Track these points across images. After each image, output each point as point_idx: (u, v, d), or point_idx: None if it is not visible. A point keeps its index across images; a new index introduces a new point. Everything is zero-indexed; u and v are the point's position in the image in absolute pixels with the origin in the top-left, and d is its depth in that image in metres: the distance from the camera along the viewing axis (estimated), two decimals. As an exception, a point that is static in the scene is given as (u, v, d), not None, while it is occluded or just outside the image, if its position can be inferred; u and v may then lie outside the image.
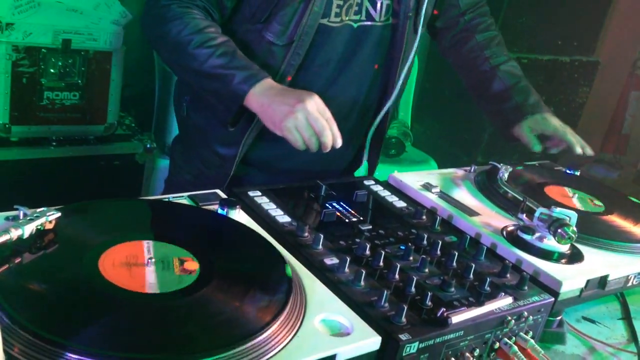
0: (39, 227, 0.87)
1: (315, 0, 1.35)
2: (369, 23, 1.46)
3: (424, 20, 1.51)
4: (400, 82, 1.54)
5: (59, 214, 0.90)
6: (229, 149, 1.50)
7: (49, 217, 0.88)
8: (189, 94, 1.58)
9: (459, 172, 1.51)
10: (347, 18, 1.43)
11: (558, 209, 1.16)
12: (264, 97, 1.27)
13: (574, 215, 1.15)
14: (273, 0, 1.35)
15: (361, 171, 1.74)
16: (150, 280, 0.85)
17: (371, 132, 1.60)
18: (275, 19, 1.37)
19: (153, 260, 0.88)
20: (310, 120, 1.22)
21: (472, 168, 1.51)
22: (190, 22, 1.33)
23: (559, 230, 1.12)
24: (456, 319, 0.92)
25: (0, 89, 2.09)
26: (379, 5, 1.45)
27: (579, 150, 1.54)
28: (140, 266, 0.87)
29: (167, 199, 1.08)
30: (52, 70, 2.16)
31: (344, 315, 0.89)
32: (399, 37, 1.49)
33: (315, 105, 1.24)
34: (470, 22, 1.66)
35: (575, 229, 1.13)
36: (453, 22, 1.67)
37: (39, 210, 0.90)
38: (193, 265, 0.89)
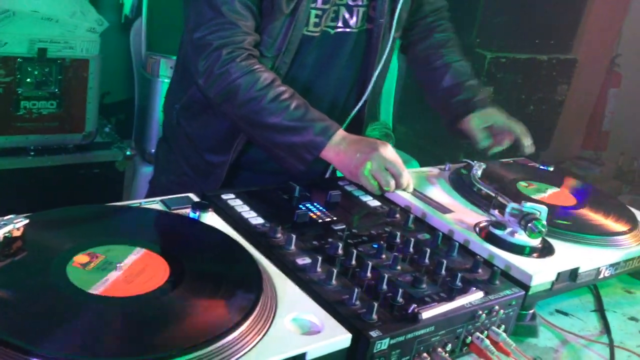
0: (6, 234, 0.87)
1: (299, 13, 1.38)
2: (346, 30, 1.50)
3: (397, 24, 1.54)
4: (371, 84, 1.56)
5: (26, 221, 0.90)
6: (219, 157, 1.53)
7: (17, 225, 0.88)
8: (179, 102, 1.58)
9: (434, 170, 1.52)
10: (324, 25, 1.46)
11: (529, 204, 1.17)
12: (340, 147, 1.33)
13: (544, 210, 1.16)
14: (266, 12, 1.38)
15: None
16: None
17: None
18: (265, 32, 1.40)
19: (120, 264, 0.88)
20: (387, 165, 1.31)
21: (447, 166, 1.52)
22: (260, 76, 1.35)
23: (529, 225, 1.14)
24: (427, 314, 0.93)
25: (-24, 100, 2.09)
26: (355, 12, 1.48)
27: (528, 141, 1.58)
28: (108, 271, 0.87)
29: (138, 204, 1.09)
30: (28, 80, 2.16)
31: (315, 314, 0.89)
32: (374, 42, 1.53)
33: (389, 152, 1.32)
34: (430, 24, 1.72)
35: (545, 223, 1.14)
36: (415, 24, 1.72)
37: (6, 217, 0.90)
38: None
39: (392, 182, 1.31)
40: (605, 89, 4.27)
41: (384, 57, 1.56)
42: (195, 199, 1.16)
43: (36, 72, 2.17)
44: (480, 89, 1.67)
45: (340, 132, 1.35)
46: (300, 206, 1.22)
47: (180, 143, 1.62)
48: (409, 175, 1.35)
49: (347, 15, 1.48)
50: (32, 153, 2.25)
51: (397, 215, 1.25)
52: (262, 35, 1.41)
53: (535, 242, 1.17)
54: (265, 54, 1.42)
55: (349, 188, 1.35)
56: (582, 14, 3.47)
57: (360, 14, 1.49)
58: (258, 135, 1.41)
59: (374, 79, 1.56)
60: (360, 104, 1.57)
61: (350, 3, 1.48)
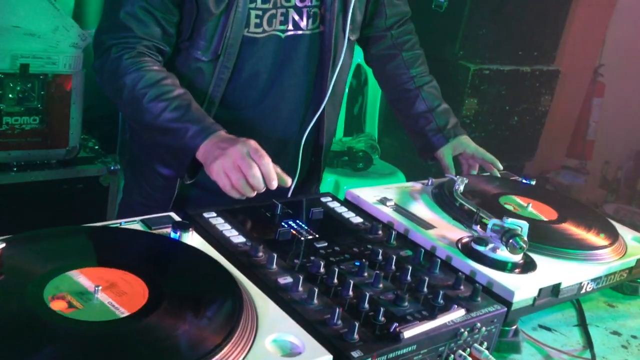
0: (-17, 258, 0.86)
1: (235, 12, 1.36)
2: (298, 32, 1.47)
3: (353, 25, 1.53)
4: (330, 88, 1.55)
5: (3, 245, 0.89)
6: (169, 169, 1.50)
7: (-6, 248, 0.87)
8: None
9: (417, 185, 1.52)
10: (271, 28, 1.44)
11: (510, 220, 1.18)
12: (208, 146, 1.26)
13: (525, 225, 1.17)
14: (192, 15, 1.36)
15: (329, 186, 1.75)
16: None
17: (302, 142, 1.58)
18: (199, 35, 1.38)
19: (100, 287, 0.87)
20: (240, 164, 1.18)
21: (430, 181, 1.52)
22: (145, 74, 1.32)
23: (511, 241, 1.14)
24: (408, 333, 0.93)
25: (-43, 116, 2.07)
26: (305, 13, 1.46)
27: (500, 166, 1.65)
28: (87, 294, 0.86)
29: (118, 224, 1.08)
30: (10, 95, 2.14)
31: (296, 334, 0.89)
32: (326, 44, 1.51)
33: (245, 147, 1.20)
34: (397, 39, 1.72)
35: (526, 239, 1.14)
36: (380, 35, 1.71)
37: (-17, 241, 0.88)
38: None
39: (240, 183, 1.19)
40: (589, 98, 4.31)
41: (341, 60, 1.54)
42: (177, 218, 1.15)
43: (18, 88, 2.14)
44: (451, 114, 1.72)
45: (219, 135, 1.27)
46: (282, 223, 1.22)
47: (137, 157, 1.62)
48: (268, 172, 1.19)
49: (296, 17, 1.46)
50: (15, 169, 2.22)
51: (380, 232, 1.25)
52: (197, 39, 1.39)
53: (517, 258, 1.17)
54: (202, 57, 1.40)
55: (331, 205, 1.35)
56: (564, 25, 3.51)
57: (311, 15, 1.47)
58: (147, 135, 1.40)
59: (333, 81, 1.54)
60: (320, 109, 1.55)
61: (299, 4, 1.45)
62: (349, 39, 1.55)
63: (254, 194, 1.21)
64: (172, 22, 1.37)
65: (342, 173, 3.02)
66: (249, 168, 1.18)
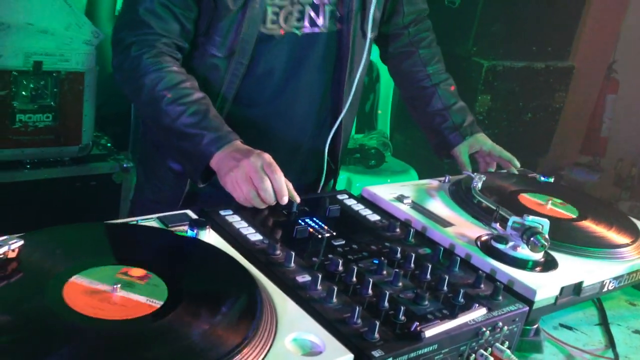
0: (1, 256, 0.85)
1: (252, 8, 1.34)
2: (315, 30, 1.45)
3: (372, 24, 1.51)
4: (353, 91, 1.53)
5: (21, 242, 0.88)
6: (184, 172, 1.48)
7: (12, 246, 0.87)
8: None
9: (434, 182, 1.50)
10: (287, 25, 1.41)
11: (531, 217, 1.16)
12: (222, 156, 1.25)
13: (546, 223, 1.15)
14: (210, 11, 1.35)
15: (341, 183, 1.74)
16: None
17: (327, 144, 1.58)
18: (215, 31, 1.37)
19: (119, 285, 0.86)
20: (252, 177, 1.19)
21: (447, 178, 1.51)
22: (165, 75, 1.31)
23: (532, 239, 1.12)
24: (429, 332, 0.91)
25: (-29, 114, 2.07)
26: (322, 10, 1.44)
27: (518, 164, 1.63)
28: (106, 292, 0.86)
29: (135, 222, 1.07)
30: (23, 93, 2.14)
31: (316, 333, 0.88)
32: (344, 43, 1.48)
33: (259, 161, 1.20)
34: (414, 37, 1.70)
35: (547, 236, 1.12)
36: (397, 32, 1.69)
37: (0, 238, 0.88)
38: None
39: (251, 195, 1.19)
40: (603, 95, 4.27)
41: (362, 60, 1.52)
42: (193, 215, 1.14)
43: (32, 85, 2.15)
44: (467, 111, 1.70)
45: (234, 144, 1.26)
46: (300, 221, 1.20)
47: (149, 154, 1.60)
48: (280, 187, 1.19)
49: (313, 15, 1.43)
50: (28, 166, 2.23)
51: (397, 230, 1.24)
52: (213, 36, 1.37)
53: (538, 256, 1.16)
54: (217, 54, 1.38)
55: (348, 202, 1.33)
56: (578, 20, 3.47)
57: (327, 13, 1.45)
58: (162, 137, 1.39)
59: (355, 81, 1.52)
60: (344, 111, 1.54)
61: (316, 2, 1.43)
62: (369, 39, 1.53)
63: (264, 206, 1.21)
64: (191, 18, 1.36)
65: (355, 170, 3.00)
66: (261, 182, 1.19)
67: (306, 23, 1.44)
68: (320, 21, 1.45)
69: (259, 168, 1.20)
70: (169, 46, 1.35)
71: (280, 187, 1.20)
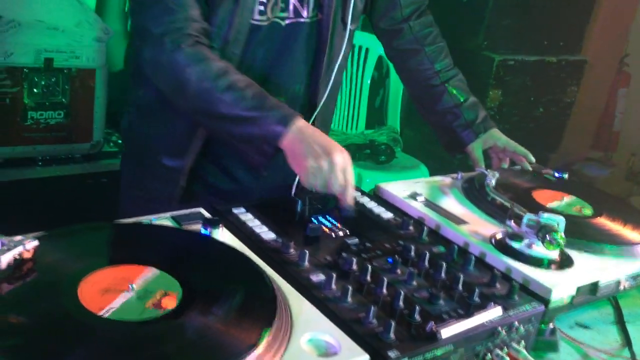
0: (16, 256, 0.85)
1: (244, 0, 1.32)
2: (299, 20, 1.43)
3: (353, 15, 1.48)
4: (331, 82, 1.50)
5: (36, 242, 0.88)
6: (176, 161, 1.46)
7: (27, 246, 0.87)
8: (134, 104, 1.53)
9: (446, 179, 1.49)
10: (273, 15, 1.40)
11: (546, 215, 1.15)
12: (296, 138, 1.23)
13: (562, 221, 1.14)
14: (209, 1, 1.32)
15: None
16: (129, 307, 0.83)
17: None
18: (210, 21, 1.33)
19: (134, 286, 0.86)
20: (331, 175, 1.20)
21: (459, 175, 1.50)
22: (210, 64, 1.28)
23: (547, 237, 1.11)
24: (445, 332, 0.91)
25: (-17, 111, 2.08)
26: (305, 1, 1.42)
27: (532, 159, 1.61)
28: (120, 292, 0.85)
29: (148, 221, 1.07)
30: (35, 90, 2.15)
31: (331, 334, 0.87)
32: (324, 32, 1.46)
33: (342, 162, 1.21)
34: (417, 33, 1.65)
35: (563, 234, 1.11)
36: (398, 27, 1.65)
37: (16, 238, 0.88)
38: (171, 301, 0.86)
39: (336, 190, 1.21)
40: (615, 89, 4.23)
41: (341, 51, 1.49)
42: (206, 214, 1.14)
43: (43, 82, 2.15)
44: (480, 107, 1.67)
45: (300, 122, 1.25)
46: (312, 219, 1.20)
47: (138, 149, 1.56)
48: (349, 195, 1.22)
49: (297, 5, 1.41)
50: (40, 163, 2.24)
51: (411, 228, 1.23)
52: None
53: (554, 254, 1.15)
54: (212, 44, 1.35)
55: (361, 200, 1.33)
56: (590, 14, 3.44)
57: (311, 3, 1.42)
58: (216, 128, 1.35)
59: (334, 72, 1.49)
60: (322, 102, 1.51)
61: None
62: (349, 30, 1.49)
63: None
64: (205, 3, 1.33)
65: (365, 166, 2.99)
66: (336, 183, 1.20)
67: (291, 14, 1.42)
68: (304, 12, 1.43)
69: (340, 171, 1.20)
70: (199, 32, 1.31)
71: (349, 194, 1.21)
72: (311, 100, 1.52)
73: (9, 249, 0.85)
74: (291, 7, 1.41)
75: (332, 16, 1.44)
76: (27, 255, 0.87)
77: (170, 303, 0.85)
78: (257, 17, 1.38)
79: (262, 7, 1.37)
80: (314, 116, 1.51)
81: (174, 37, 1.27)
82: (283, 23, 1.41)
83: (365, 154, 3.05)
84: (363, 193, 1.36)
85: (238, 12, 1.33)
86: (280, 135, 1.23)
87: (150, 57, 1.32)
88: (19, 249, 0.86)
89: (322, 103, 1.51)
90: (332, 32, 1.46)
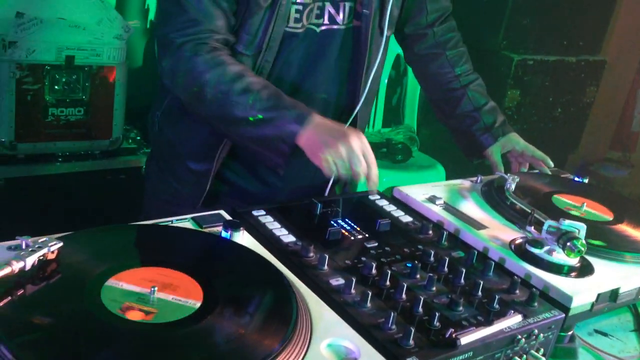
0: (40, 257, 0.86)
1: (280, 7, 1.33)
2: (333, 27, 1.44)
3: (389, 21, 1.49)
4: (368, 86, 1.51)
5: (60, 244, 0.89)
6: (202, 165, 1.48)
7: (51, 247, 0.88)
8: (160, 109, 1.54)
9: (466, 183, 1.49)
10: (308, 22, 1.40)
11: (567, 221, 1.14)
12: (311, 132, 1.26)
13: (583, 228, 1.13)
14: (243, 7, 1.33)
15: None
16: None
17: None
18: (243, 29, 1.35)
19: (156, 287, 0.87)
20: (351, 158, 1.22)
21: (479, 178, 1.49)
22: (227, 68, 1.29)
23: (568, 244, 1.10)
24: (465, 339, 0.91)
25: (5, 107, 2.10)
26: (341, 8, 1.43)
27: (551, 163, 1.61)
28: (143, 295, 0.86)
29: (170, 222, 1.08)
30: (56, 87, 2.17)
31: (351, 339, 0.87)
32: (362, 39, 1.47)
33: (360, 144, 1.23)
34: (440, 38, 1.66)
35: (584, 242, 1.11)
36: (422, 32, 1.66)
37: (40, 240, 0.89)
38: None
39: (359, 171, 1.23)
40: (634, 89, 4.19)
41: (378, 57, 1.50)
42: (227, 216, 1.15)
43: (64, 79, 2.17)
44: (498, 112, 1.67)
45: (315, 118, 1.27)
46: (332, 223, 1.20)
47: (164, 153, 1.58)
48: (374, 175, 1.26)
49: (332, 11, 1.42)
50: (60, 159, 2.26)
51: (430, 232, 1.23)
52: (241, 33, 1.36)
53: (574, 261, 1.14)
54: (245, 52, 1.37)
55: (379, 203, 1.33)
56: (611, 14, 3.40)
57: (347, 9, 1.43)
58: (232, 133, 1.36)
59: (371, 77, 1.50)
60: (358, 106, 1.51)
61: None
62: (386, 36, 1.51)
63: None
64: (234, 11, 1.35)
65: (381, 165, 2.96)
66: (359, 173, 1.23)
67: (325, 20, 1.43)
68: (339, 18, 1.44)
69: (360, 152, 1.23)
70: (220, 42, 1.33)
71: (374, 175, 1.25)
72: (348, 105, 1.54)
73: (33, 251, 0.86)
74: (327, 13, 1.42)
75: (370, 23, 1.45)
76: (51, 256, 0.88)
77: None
78: (292, 24, 1.39)
79: (297, 15, 1.38)
80: (348, 122, 1.52)
81: (193, 46, 1.30)
82: (318, 29, 1.43)
83: (382, 152, 3.05)
84: (382, 196, 1.36)
85: (272, 21, 1.34)
86: (296, 133, 1.26)
87: (168, 66, 1.34)
88: (44, 250, 0.87)
89: (359, 107, 1.52)
90: (370, 39, 1.47)
